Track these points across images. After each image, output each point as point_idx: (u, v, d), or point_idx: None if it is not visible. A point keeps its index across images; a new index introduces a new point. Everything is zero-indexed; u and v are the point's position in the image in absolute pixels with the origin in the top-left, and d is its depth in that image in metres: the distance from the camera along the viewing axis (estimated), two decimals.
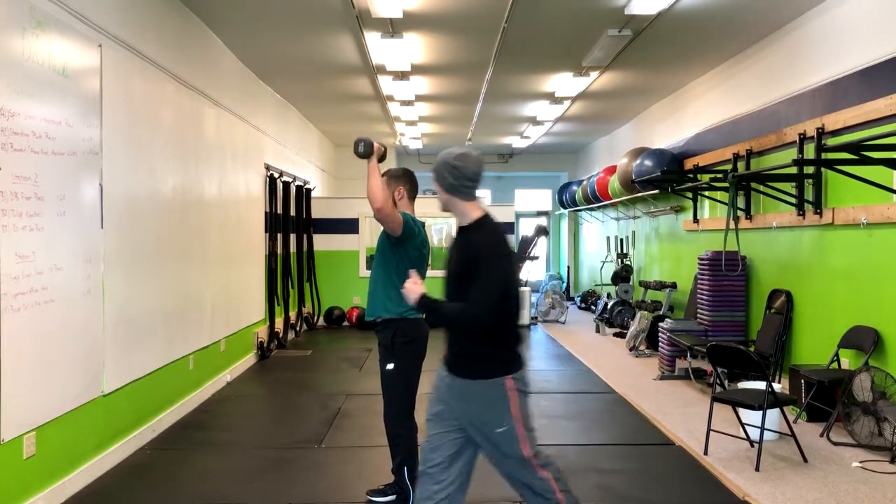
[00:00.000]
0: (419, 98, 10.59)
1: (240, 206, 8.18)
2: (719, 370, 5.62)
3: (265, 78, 9.30)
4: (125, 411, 5.14)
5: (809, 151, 6.34)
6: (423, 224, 4.15)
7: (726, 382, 6.28)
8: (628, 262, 12.32)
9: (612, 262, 13.27)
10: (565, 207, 16.43)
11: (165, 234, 5.95)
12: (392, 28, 7.06)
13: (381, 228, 4.03)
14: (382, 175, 4.07)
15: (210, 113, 7.14)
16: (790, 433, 5.01)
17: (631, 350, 9.36)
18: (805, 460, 4.93)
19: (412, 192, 4.13)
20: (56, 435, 4.21)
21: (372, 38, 7.36)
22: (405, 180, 4.13)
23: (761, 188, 7.00)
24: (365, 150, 3.90)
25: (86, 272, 4.56)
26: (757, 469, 4.76)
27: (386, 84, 9.46)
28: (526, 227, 17.58)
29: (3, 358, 3.68)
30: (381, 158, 3.99)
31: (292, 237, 10.78)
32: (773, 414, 5.17)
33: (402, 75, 8.98)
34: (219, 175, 7.36)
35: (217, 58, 7.51)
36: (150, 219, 5.66)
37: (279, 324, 9.82)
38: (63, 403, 4.30)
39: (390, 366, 3.97)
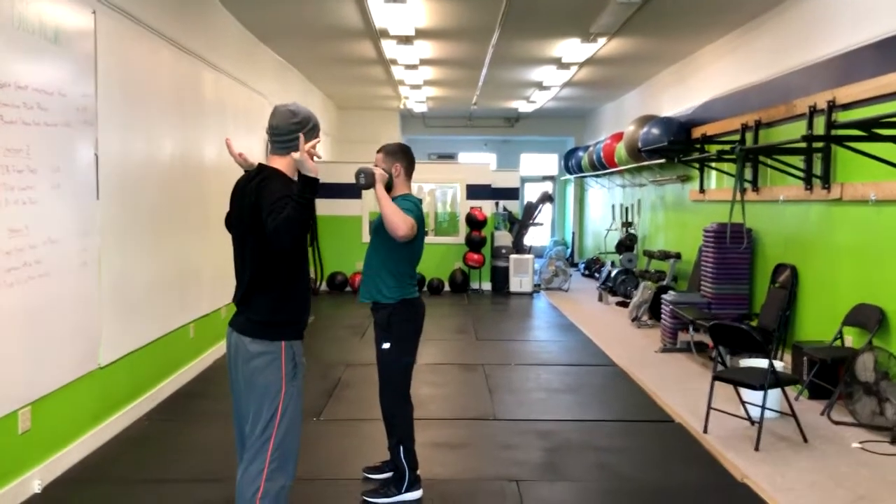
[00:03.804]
0: (424, 62, 10.41)
1: (240, 171, 8.06)
2: (721, 348, 5.56)
3: (266, 40, 9.14)
4: (123, 383, 5.12)
5: (819, 124, 6.21)
6: (420, 201, 4.05)
7: (728, 357, 6.24)
8: (633, 231, 12.23)
9: (616, 230, 13.18)
10: (571, 173, 16.28)
11: (164, 203, 5.88)
12: None
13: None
14: (378, 152, 3.97)
15: (209, 77, 7.02)
16: (791, 413, 4.98)
17: (633, 321, 9.32)
18: (805, 440, 4.90)
19: (409, 169, 4.00)
20: (52, 409, 4.19)
21: (374, 2, 7.19)
22: (401, 156, 3.97)
23: (769, 161, 6.87)
24: (367, 181, 3.75)
25: (81, 244, 4.50)
26: (756, 449, 4.73)
27: (390, 48, 9.30)
28: (531, 193, 17.48)
29: None
30: (389, 186, 3.87)
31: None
32: (775, 392, 5.13)
33: (406, 39, 8.81)
34: (218, 141, 7.25)
35: (216, 21, 7.36)
36: (148, 188, 5.58)
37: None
38: (59, 377, 4.28)
39: (386, 345, 3.91)
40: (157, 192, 5.76)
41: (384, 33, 8.51)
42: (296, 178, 2.94)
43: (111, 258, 4.90)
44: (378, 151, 3.98)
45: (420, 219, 3.90)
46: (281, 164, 3.01)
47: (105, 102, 4.81)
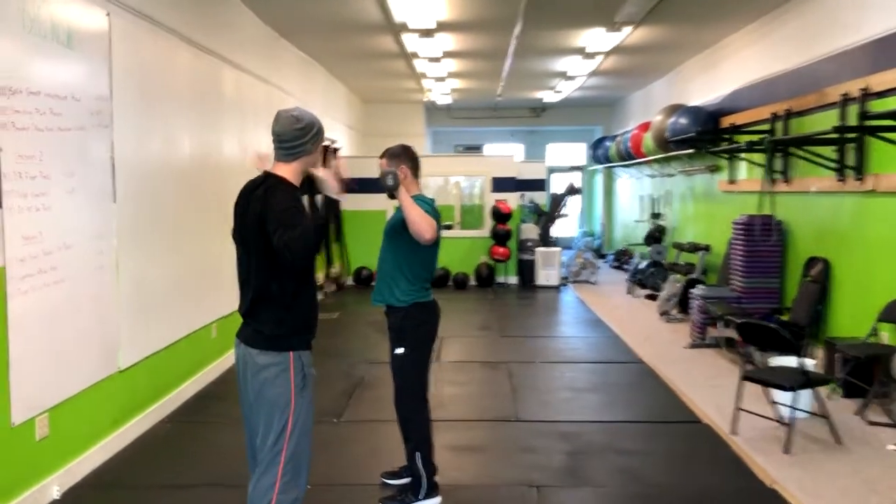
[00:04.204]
0: (446, 54, 10.30)
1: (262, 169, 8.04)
2: (750, 346, 5.42)
3: (287, 36, 9.09)
4: (143, 386, 5.12)
5: (852, 113, 6.01)
6: (433, 201, 3.95)
7: (758, 354, 6.08)
8: (662, 223, 12.03)
9: (645, 221, 12.97)
10: (599, 163, 16.07)
11: (183, 203, 5.86)
12: None
13: (395, 206, 3.83)
14: (381, 157, 3.88)
15: (229, 75, 6.98)
16: (823, 414, 4.82)
17: (662, 315, 9.15)
18: (838, 442, 4.75)
19: (415, 169, 3.89)
20: (70, 414, 4.19)
21: None
22: (406, 158, 3.86)
23: (799, 152, 6.67)
24: (395, 182, 3.65)
25: (98, 248, 4.49)
26: (787, 451, 4.60)
27: (411, 41, 9.21)
28: (559, 184, 17.30)
29: (10, 342, 3.63)
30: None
31: (319, 198, 10.65)
32: (806, 392, 4.97)
33: (427, 32, 8.71)
34: (239, 139, 7.24)
35: (235, 18, 7.32)
36: (167, 188, 5.56)
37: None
38: (77, 382, 4.27)
39: (400, 350, 3.84)
40: (176, 193, 5.74)
41: (404, 27, 8.42)
42: (299, 185, 2.88)
43: (129, 261, 4.89)
44: (381, 156, 3.89)
45: (437, 219, 3.82)
46: (286, 171, 2.95)
47: (121, 105, 4.78)
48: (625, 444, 4.85)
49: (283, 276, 2.87)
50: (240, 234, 3.00)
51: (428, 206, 3.80)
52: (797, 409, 4.74)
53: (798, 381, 4.69)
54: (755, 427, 5.02)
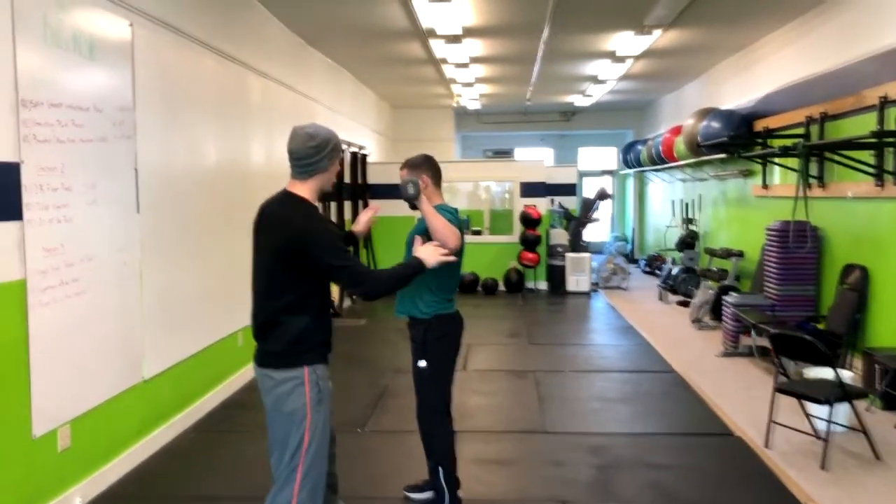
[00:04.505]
0: (474, 60, 10.24)
1: (289, 177, 8.03)
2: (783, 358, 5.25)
3: (315, 44, 9.09)
4: (168, 395, 5.11)
5: (891, 117, 5.82)
6: (456, 210, 3.88)
7: (792, 364, 5.90)
8: (694, 228, 11.83)
9: (676, 227, 12.77)
10: (630, 167, 15.87)
11: (209, 211, 5.86)
12: None
13: (418, 217, 3.75)
14: (402, 167, 3.82)
15: (255, 83, 6.98)
16: (861, 429, 4.65)
17: (694, 322, 8.98)
18: (878, 457, 4.58)
19: (437, 179, 3.82)
20: (93, 425, 4.18)
21: (419, 2, 7.05)
22: (426, 168, 3.79)
23: (835, 156, 6.49)
24: (416, 190, 3.53)
25: (121, 259, 4.48)
26: (823, 467, 4.44)
27: (438, 47, 9.16)
28: (590, 188, 17.14)
29: (31, 354, 3.62)
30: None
31: (347, 204, 10.67)
32: (843, 405, 4.80)
33: (454, 38, 8.65)
34: (266, 146, 7.23)
35: (262, 26, 7.32)
36: (192, 197, 5.56)
37: (335, 292, 9.74)
38: (101, 393, 4.27)
39: (422, 363, 3.77)
40: (202, 201, 5.74)
41: (431, 33, 8.37)
42: (317, 203, 2.95)
43: (153, 271, 4.88)
44: (401, 168, 3.83)
45: (460, 230, 3.74)
46: (303, 189, 2.97)
47: (144, 115, 4.78)
48: (655, 458, 4.72)
49: (305, 297, 2.90)
50: (260, 253, 3.03)
51: (451, 215, 3.73)
52: (834, 422, 4.58)
53: (835, 394, 4.53)
54: (790, 441, 4.87)
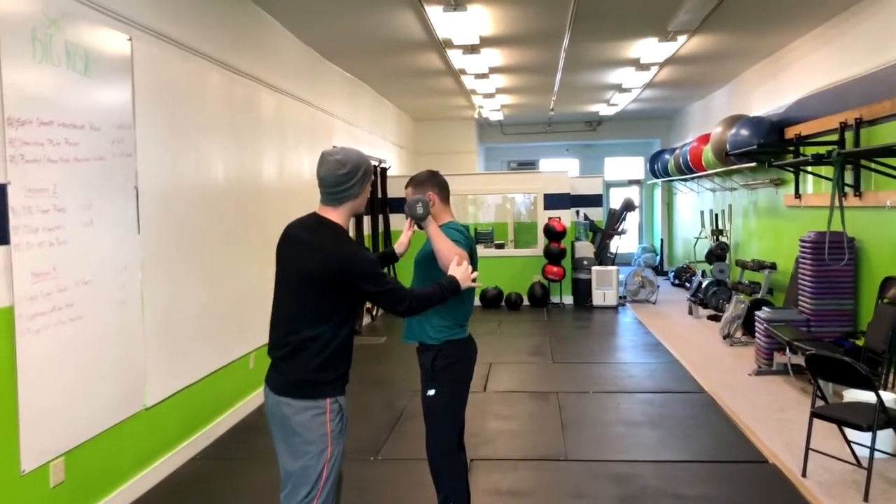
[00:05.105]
0: (493, 70, 10.03)
1: (305, 192, 7.87)
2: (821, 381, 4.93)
3: (331, 57, 8.94)
4: (172, 423, 4.92)
5: None
6: (466, 228, 3.66)
7: (830, 386, 5.58)
8: (724, 240, 11.48)
9: (706, 238, 12.42)
10: (657, 177, 15.54)
11: (217, 230, 5.68)
12: (454, 0, 6.55)
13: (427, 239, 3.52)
14: (406, 186, 3.61)
15: (268, 99, 6.82)
16: None
17: (725, 338, 8.64)
18: None
19: (444, 195, 3.60)
20: (90, 457, 4.00)
21: (434, 12, 6.86)
22: (432, 184, 3.57)
23: (872, 164, 6.16)
24: (425, 211, 3.31)
25: (120, 282, 4.31)
26: (866, 499, 4.12)
27: (456, 58, 8.96)
28: (617, 198, 16.83)
29: (19, 385, 3.45)
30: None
31: (366, 219, 10.49)
32: (886, 431, 4.48)
33: (471, 49, 8.46)
34: (279, 163, 7.07)
35: (274, 40, 7.17)
36: (198, 216, 5.39)
37: None
38: (98, 423, 4.09)
39: (431, 392, 3.53)
40: (211, 220, 5.57)
41: (448, 43, 8.18)
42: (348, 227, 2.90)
43: (156, 293, 4.71)
44: (406, 186, 3.61)
45: (471, 249, 3.52)
46: (335, 215, 2.85)
47: (145, 132, 4.62)
48: (683, 488, 4.43)
49: (325, 323, 2.76)
50: (280, 278, 2.89)
51: (459, 234, 3.50)
52: (877, 449, 4.26)
53: (877, 419, 4.21)
54: (829, 469, 4.55)
